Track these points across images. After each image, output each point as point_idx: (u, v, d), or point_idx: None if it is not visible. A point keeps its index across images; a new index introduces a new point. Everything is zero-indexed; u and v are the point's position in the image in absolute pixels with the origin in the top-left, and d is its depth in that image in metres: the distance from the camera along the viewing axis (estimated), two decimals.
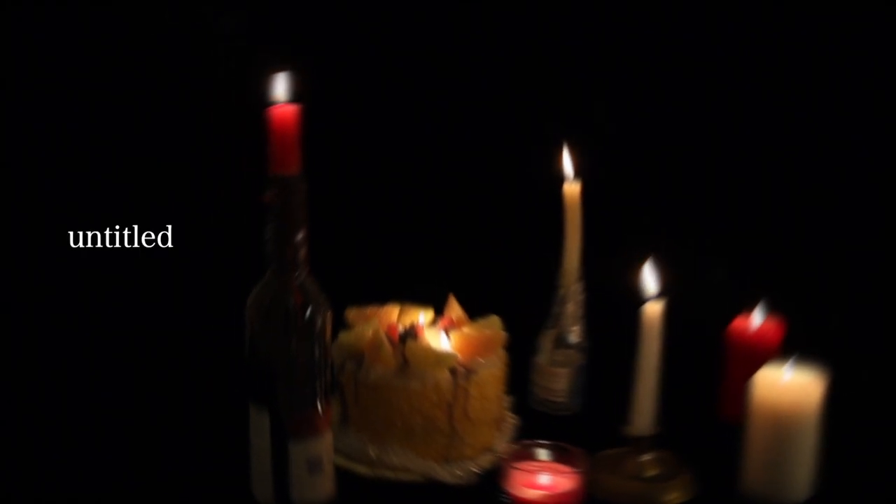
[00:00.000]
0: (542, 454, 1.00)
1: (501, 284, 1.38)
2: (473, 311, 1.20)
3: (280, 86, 0.90)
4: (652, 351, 1.07)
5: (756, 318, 1.21)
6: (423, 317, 1.17)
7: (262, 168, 0.90)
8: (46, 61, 1.27)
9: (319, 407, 0.94)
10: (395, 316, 1.16)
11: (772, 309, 1.22)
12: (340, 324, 1.14)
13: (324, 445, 0.94)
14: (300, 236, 0.91)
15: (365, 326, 1.12)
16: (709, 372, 1.23)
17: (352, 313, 1.16)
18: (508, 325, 1.18)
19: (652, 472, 1.09)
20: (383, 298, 1.18)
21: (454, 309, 1.19)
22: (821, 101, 1.39)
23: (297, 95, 0.90)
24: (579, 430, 1.17)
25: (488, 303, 1.19)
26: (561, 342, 1.25)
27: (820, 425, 1.07)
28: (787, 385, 1.08)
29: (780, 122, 1.40)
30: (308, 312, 0.92)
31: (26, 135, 1.29)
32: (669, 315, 1.06)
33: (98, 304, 1.26)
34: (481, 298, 1.20)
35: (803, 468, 1.07)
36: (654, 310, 1.07)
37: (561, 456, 1.00)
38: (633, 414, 1.09)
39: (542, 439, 1.03)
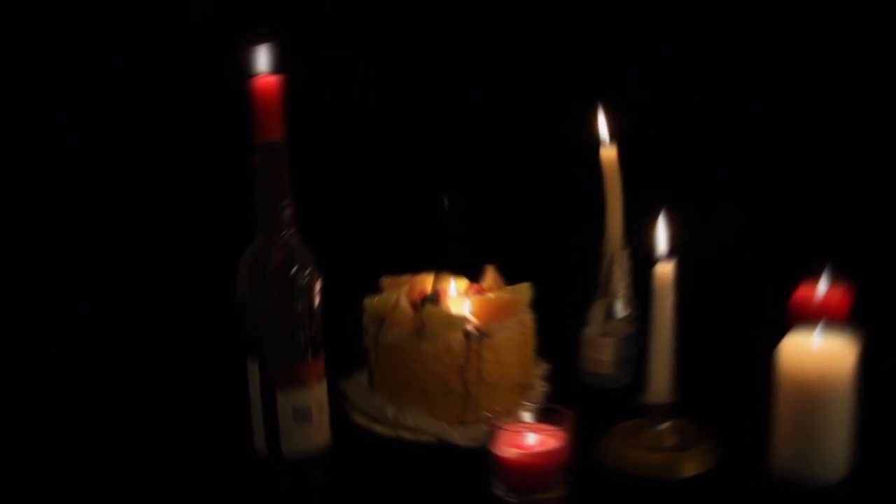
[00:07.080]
0: (530, 416, 0.98)
1: (556, 256, 1.36)
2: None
3: (262, 57, 0.96)
4: (665, 314, 1.02)
5: (821, 286, 1.12)
6: (454, 284, 1.18)
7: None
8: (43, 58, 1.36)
9: (307, 359, 0.98)
10: (428, 284, 1.18)
11: (837, 276, 1.11)
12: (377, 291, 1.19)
13: (312, 396, 0.98)
14: (285, 198, 0.97)
15: (392, 292, 1.15)
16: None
17: (386, 281, 1.19)
18: (563, 296, 1.16)
19: (669, 442, 1.03)
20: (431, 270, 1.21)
21: (489, 277, 1.19)
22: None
23: (282, 65, 0.95)
24: (620, 401, 1.13)
25: (542, 275, 1.19)
26: (610, 313, 1.21)
27: (854, 397, 0.97)
28: (817, 352, 0.98)
29: (838, 79, 1.28)
30: (293, 270, 0.97)
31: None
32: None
33: (119, 272, 1.39)
34: (535, 271, 1.20)
35: (836, 444, 0.97)
36: (665, 270, 1.02)
37: (549, 417, 0.97)
38: (648, 381, 1.04)
39: (571, 406, 1.01)
